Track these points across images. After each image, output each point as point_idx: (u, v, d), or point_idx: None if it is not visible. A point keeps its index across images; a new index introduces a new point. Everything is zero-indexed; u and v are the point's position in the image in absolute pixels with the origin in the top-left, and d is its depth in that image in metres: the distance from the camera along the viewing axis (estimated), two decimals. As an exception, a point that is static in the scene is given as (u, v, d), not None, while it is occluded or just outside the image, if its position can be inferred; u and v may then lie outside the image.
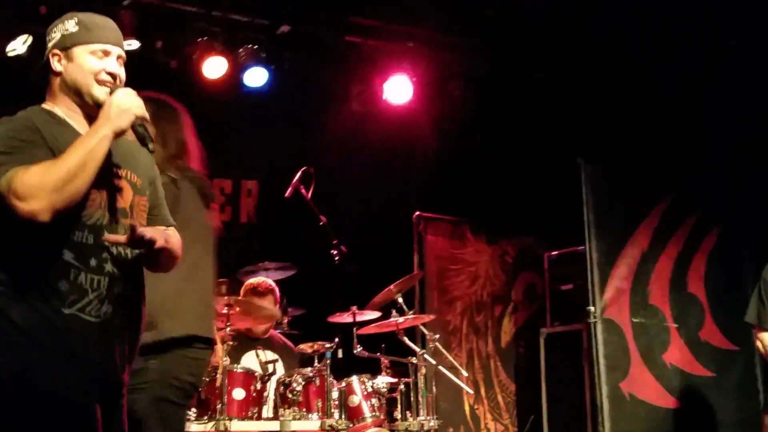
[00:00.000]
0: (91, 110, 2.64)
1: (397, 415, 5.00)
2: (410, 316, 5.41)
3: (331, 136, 7.19)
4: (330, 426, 4.50)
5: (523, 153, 7.14)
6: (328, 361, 4.68)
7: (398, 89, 6.94)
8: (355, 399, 4.87)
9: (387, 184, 7.32)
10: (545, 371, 6.49)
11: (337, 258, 5.57)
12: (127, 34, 5.79)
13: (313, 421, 4.54)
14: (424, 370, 5.45)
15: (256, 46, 6.39)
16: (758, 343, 4.73)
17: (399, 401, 5.02)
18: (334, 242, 5.59)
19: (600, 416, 5.69)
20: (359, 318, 5.27)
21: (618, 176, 6.10)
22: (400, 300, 5.42)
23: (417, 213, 6.75)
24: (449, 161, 7.28)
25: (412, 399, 5.16)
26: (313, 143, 7.03)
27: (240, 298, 4.76)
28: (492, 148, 7.23)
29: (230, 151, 7.24)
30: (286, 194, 5.68)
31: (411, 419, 5.00)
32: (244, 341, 5.10)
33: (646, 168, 6.35)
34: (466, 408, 6.69)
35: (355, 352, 5.23)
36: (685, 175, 6.37)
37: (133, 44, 5.85)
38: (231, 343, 4.52)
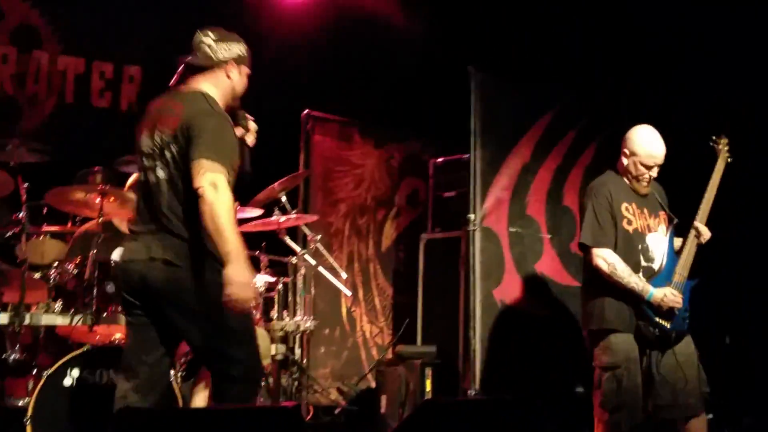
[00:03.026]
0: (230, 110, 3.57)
1: (274, 314, 5.00)
2: (293, 215, 5.37)
3: (221, 25, 6.91)
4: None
5: (416, 57, 7.07)
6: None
7: (294, -20, 6.75)
8: (232, 296, 4.82)
9: (276, 79, 7.11)
10: (423, 276, 6.56)
11: (219, 153, 5.43)
12: None
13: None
14: (303, 271, 5.46)
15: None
16: (599, 261, 4.34)
17: (276, 301, 5.01)
18: (219, 136, 5.44)
19: (472, 322, 5.83)
20: (240, 215, 5.19)
21: (507, 85, 6.10)
22: (284, 199, 5.36)
23: (306, 111, 6.64)
24: (342, 61, 7.14)
25: (289, 299, 5.17)
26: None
27: (115, 188, 4.57)
28: (385, 51, 7.12)
29: (112, 33, 6.91)
30: (171, 83, 5.46)
31: (287, 319, 5.01)
32: (116, 233, 4.94)
33: (537, 79, 6.38)
34: (343, 310, 6.76)
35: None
36: (571, 86, 6.44)
37: None
38: (102, 234, 4.39)
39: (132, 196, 4.73)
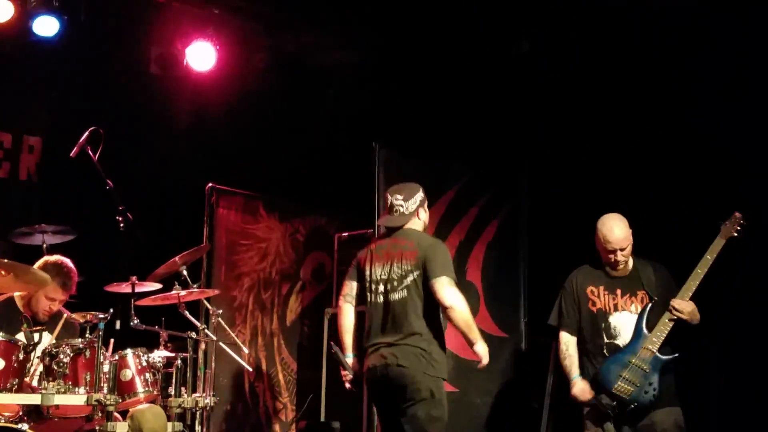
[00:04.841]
0: None
1: (172, 391, 4.87)
2: (194, 289, 5.28)
3: (126, 97, 6.91)
4: (97, 401, 4.30)
5: (321, 133, 7.16)
6: (101, 333, 4.47)
7: (201, 56, 6.78)
8: (128, 373, 4.68)
9: (181, 152, 7.12)
10: (327, 351, 6.53)
11: (122, 225, 5.37)
12: None
13: (80, 396, 4.32)
14: (204, 346, 5.36)
15: (48, -7, 6.04)
16: (558, 341, 4.99)
17: (174, 376, 4.89)
18: (120, 208, 5.38)
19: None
20: (139, 289, 5.08)
21: (410, 162, 6.21)
22: (185, 273, 5.28)
23: (210, 184, 6.60)
24: (247, 135, 7.17)
25: (189, 375, 5.05)
26: (105, 103, 6.72)
27: (5, 260, 4.41)
28: (291, 126, 7.19)
29: (13, 102, 6.81)
30: (72, 154, 5.41)
31: (186, 396, 4.88)
32: (14, 313, 4.78)
33: (440, 156, 6.52)
34: (246, 385, 6.63)
35: (131, 324, 5.05)
36: (473, 165, 6.60)
37: None
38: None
39: (40, 273, 4.60)
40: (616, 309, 4.85)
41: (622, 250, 4.79)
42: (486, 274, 6.50)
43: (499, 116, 6.86)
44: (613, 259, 4.83)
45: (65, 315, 4.90)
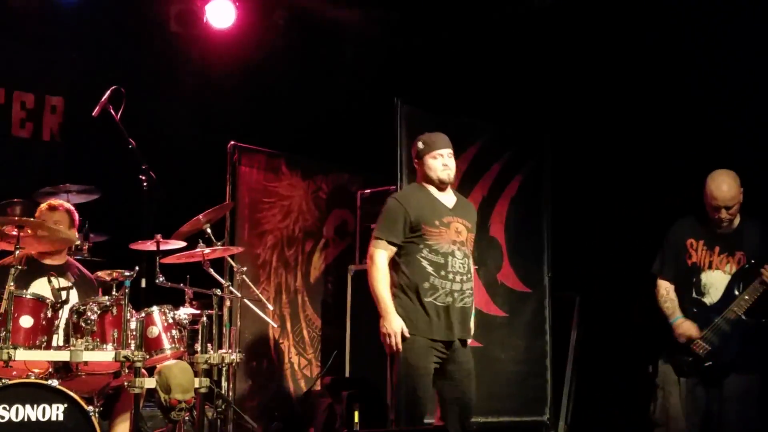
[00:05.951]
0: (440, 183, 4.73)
1: (198, 347, 4.91)
2: (218, 247, 5.31)
3: (146, 55, 6.90)
4: (125, 357, 4.36)
5: (343, 89, 7.12)
6: (127, 290, 4.51)
7: (221, 13, 6.76)
8: (155, 330, 4.73)
9: (203, 110, 7.13)
10: (351, 308, 6.55)
11: (145, 184, 5.41)
12: None
13: (107, 352, 4.38)
14: (229, 303, 5.41)
15: (68, -47, 6.01)
16: (656, 288, 4.90)
17: (201, 333, 4.93)
18: (143, 167, 5.41)
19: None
20: (163, 247, 5.12)
21: (432, 118, 6.17)
22: (209, 230, 5.31)
23: (232, 142, 6.60)
24: (268, 92, 7.15)
25: (215, 332, 5.09)
26: (125, 61, 6.72)
27: (31, 219, 4.46)
28: (312, 82, 7.16)
29: (34, 62, 6.83)
30: (94, 113, 5.42)
31: (212, 352, 4.93)
32: (36, 267, 4.82)
33: (462, 113, 6.48)
34: (271, 342, 6.68)
35: (157, 281, 5.10)
36: (496, 121, 6.55)
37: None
38: (20, 267, 4.28)
39: (65, 232, 4.64)
40: (710, 266, 4.78)
41: (728, 208, 4.67)
42: (509, 230, 6.49)
43: (521, 72, 6.79)
44: (717, 217, 4.71)
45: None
